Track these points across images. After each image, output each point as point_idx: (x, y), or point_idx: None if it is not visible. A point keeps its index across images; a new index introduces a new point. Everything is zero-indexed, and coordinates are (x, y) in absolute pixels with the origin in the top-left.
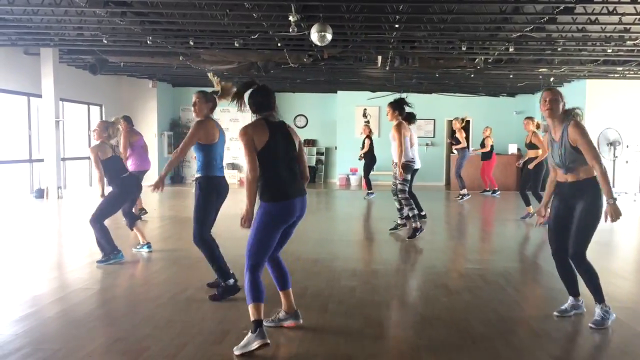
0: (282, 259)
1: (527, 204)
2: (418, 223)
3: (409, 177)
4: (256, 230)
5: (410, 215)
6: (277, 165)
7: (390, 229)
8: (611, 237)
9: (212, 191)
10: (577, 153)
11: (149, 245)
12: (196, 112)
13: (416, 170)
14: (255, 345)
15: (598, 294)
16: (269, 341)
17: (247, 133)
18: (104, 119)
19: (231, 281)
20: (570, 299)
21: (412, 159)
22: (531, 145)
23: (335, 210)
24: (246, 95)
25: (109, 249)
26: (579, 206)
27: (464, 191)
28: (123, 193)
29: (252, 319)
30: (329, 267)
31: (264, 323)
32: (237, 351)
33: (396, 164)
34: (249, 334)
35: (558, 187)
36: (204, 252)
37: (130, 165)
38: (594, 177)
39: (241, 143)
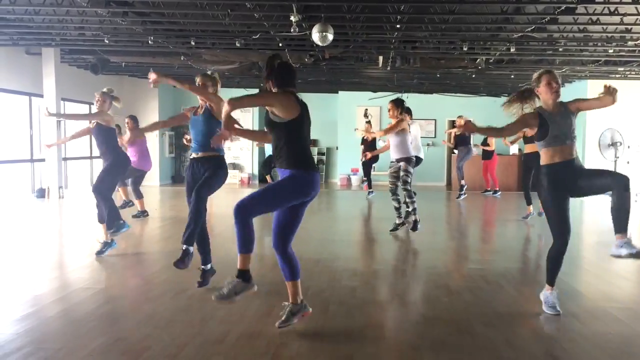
0: (294, 252)
1: (529, 202)
2: (417, 216)
3: (411, 169)
4: (271, 188)
5: (411, 208)
6: (303, 140)
7: (391, 230)
8: (612, 237)
9: (226, 171)
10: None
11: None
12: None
13: (420, 159)
14: (252, 290)
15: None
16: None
17: (275, 96)
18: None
19: (191, 249)
20: (554, 292)
21: (414, 155)
22: (529, 139)
23: (336, 210)
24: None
25: (110, 221)
26: (583, 174)
27: (463, 182)
28: (117, 162)
29: (240, 267)
30: (330, 267)
31: (277, 325)
32: (225, 299)
33: (396, 160)
34: (235, 280)
35: (560, 171)
36: (192, 216)
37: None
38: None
39: (260, 93)
